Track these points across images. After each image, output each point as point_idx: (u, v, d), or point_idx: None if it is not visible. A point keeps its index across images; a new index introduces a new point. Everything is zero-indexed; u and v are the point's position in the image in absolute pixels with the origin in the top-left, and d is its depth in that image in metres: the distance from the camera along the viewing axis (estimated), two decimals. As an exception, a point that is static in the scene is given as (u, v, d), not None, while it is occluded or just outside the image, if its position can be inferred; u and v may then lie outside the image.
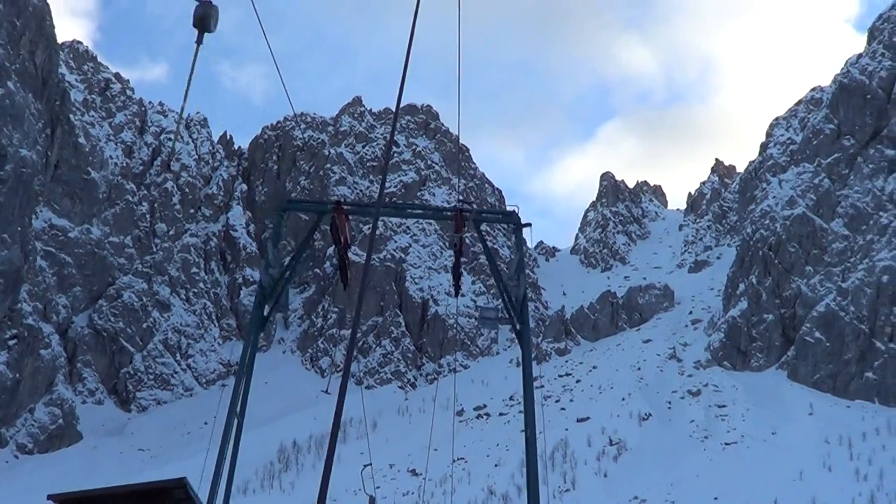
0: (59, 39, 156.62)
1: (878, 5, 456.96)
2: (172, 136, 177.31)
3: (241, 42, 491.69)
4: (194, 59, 12.56)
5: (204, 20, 12.47)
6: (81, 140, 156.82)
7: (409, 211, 28.95)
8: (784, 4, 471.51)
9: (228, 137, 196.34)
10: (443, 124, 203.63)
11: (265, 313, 24.18)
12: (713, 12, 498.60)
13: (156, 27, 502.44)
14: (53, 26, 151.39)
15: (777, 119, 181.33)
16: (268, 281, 24.15)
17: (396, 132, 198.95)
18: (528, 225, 24.95)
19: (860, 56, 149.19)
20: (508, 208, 25.62)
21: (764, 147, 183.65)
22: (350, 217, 25.32)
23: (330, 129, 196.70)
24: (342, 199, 26.49)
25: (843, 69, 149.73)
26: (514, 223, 24.93)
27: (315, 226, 25.66)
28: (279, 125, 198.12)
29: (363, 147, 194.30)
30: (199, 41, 12.44)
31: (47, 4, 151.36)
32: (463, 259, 27.19)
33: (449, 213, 25.08)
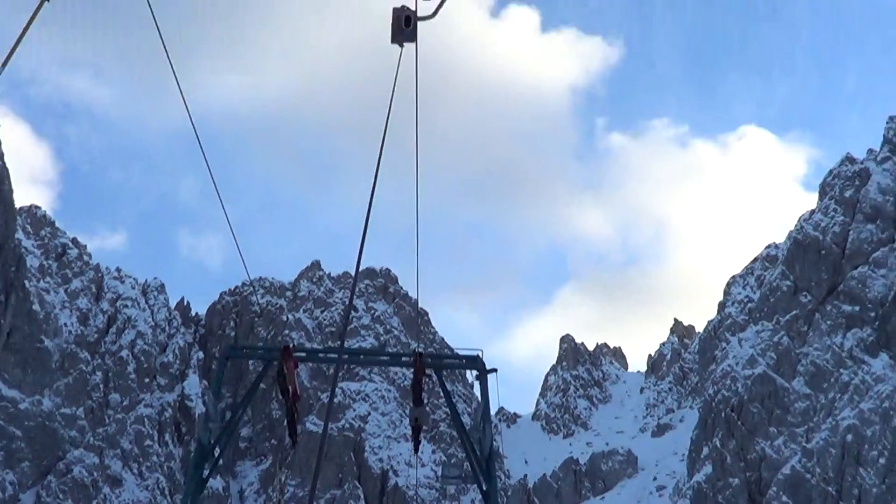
0: (17, 204, 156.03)
1: (825, 165, 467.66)
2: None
3: (199, 209, 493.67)
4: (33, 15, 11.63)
5: None
6: (36, 307, 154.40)
7: (365, 357, 27.75)
8: (734, 167, 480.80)
9: (186, 304, 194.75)
10: (402, 287, 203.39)
11: (204, 475, 21.85)
12: (666, 176, 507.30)
13: (115, 195, 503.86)
14: (12, 191, 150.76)
15: (734, 277, 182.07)
16: (207, 438, 22.00)
17: (356, 297, 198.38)
18: (494, 371, 23.29)
19: (813, 212, 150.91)
20: (471, 352, 23.96)
21: (722, 306, 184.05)
22: (306, 365, 23.55)
23: (288, 294, 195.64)
24: (292, 344, 24.65)
25: (796, 225, 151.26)
26: (478, 369, 23.43)
27: (262, 374, 23.56)
28: (237, 290, 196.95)
29: (322, 312, 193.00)
30: None
31: (6, 169, 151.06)
32: (422, 427, 25.10)
33: (407, 359, 23.63)
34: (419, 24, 14.23)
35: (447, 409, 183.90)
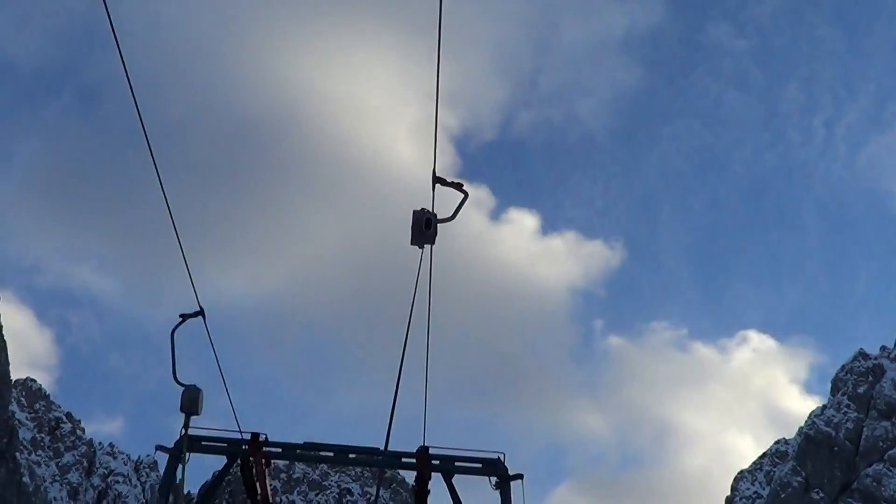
0: (13, 377, 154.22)
1: (827, 368, 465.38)
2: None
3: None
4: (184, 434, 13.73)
5: (192, 403, 13.25)
6: (26, 479, 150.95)
7: (357, 457, 21.18)
8: (734, 370, 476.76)
9: (178, 481, 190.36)
10: (398, 474, 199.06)
11: None
12: (665, 380, 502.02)
13: (114, 379, 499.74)
14: (8, 363, 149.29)
15: (742, 472, 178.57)
16: None
17: (351, 480, 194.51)
18: (520, 477, 19.45)
19: (825, 408, 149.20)
20: (491, 456, 19.68)
21: (729, 501, 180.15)
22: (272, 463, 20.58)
23: (283, 475, 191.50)
24: (261, 435, 19.85)
25: (807, 421, 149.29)
26: (499, 475, 19.46)
27: (223, 472, 20.30)
28: (233, 471, 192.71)
29: (316, 495, 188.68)
30: (186, 426, 13.00)
31: (3, 341, 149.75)
32: None
33: (410, 460, 19.47)
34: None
35: None
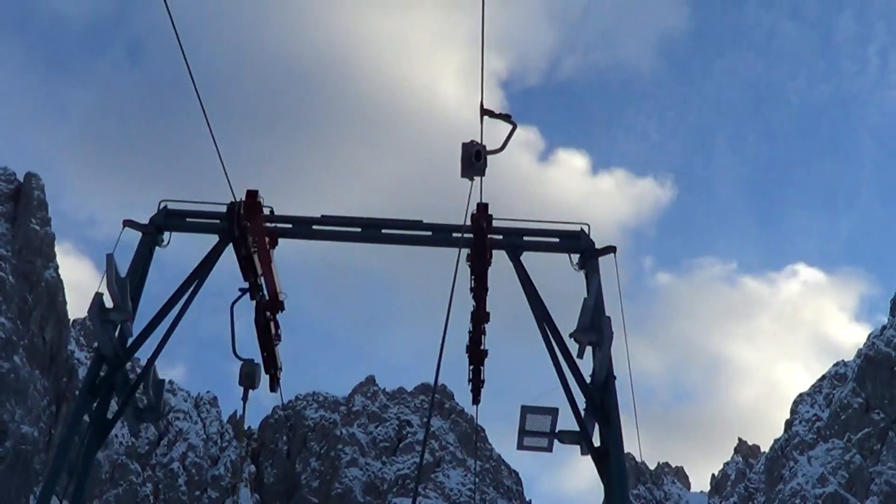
0: (71, 316, 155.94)
1: (875, 297, 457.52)
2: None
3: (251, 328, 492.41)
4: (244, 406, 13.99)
5: (249, 377, 13.62)
6: (86, 419, 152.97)
7: (389, 233, 15.96)
8: (783, 302, 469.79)
9: (238, 417, 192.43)
10: (458, 404, 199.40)
11: (110, 415, 15.21)
12: (714, 315, 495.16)
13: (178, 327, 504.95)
14: (66, 302, 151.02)
15: (801, 395, 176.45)
16: (109, 346, 14.57)
17: (410, 412, 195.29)
18: (612, 250, 15.50)
19: (885, 328, 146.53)
20: (571, 227, 15.78)
21: (789, 425, 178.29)
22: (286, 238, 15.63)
23: (342, 408, 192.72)
24: (258, 195, 15.38)
25: (867, 342, 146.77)
26: (582, 251, 15.56)
27: (215, 252, 15.17)
28: (290, 405, 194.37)
29: (376, 427, 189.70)
30: (245, 398, 13.32)
31: (60, 281, 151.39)
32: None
33: (462, 235, 14.78)
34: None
35: None
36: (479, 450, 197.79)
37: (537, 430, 14.58)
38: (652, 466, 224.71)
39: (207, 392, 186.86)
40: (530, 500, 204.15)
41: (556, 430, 14.59)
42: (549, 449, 14.87)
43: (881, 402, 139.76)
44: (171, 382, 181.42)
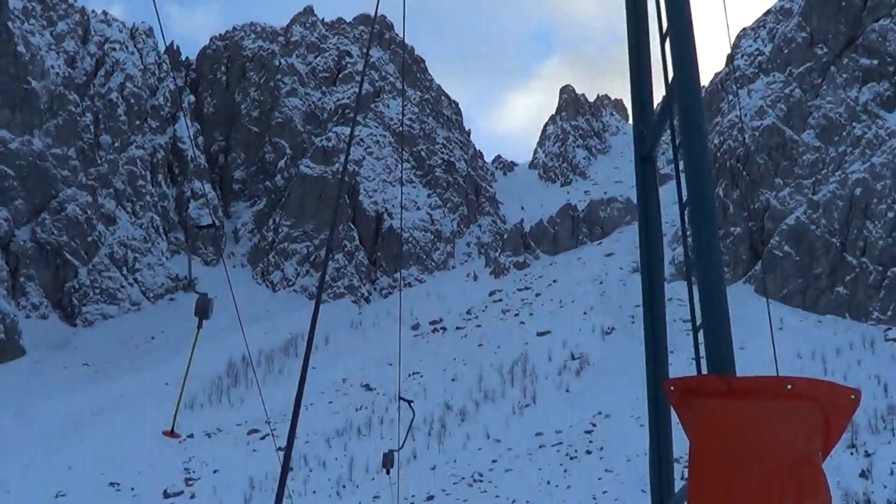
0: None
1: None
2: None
3: None
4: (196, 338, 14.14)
5: (204, 311, 14.19)
6: (21, 48, 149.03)
7: None
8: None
9: (175, 48, 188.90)
10: (397, 35, 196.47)
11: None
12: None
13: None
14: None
15: (744, 30, 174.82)
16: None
17: (350, 42, 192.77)
18: None
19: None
20: None
21: (730, 59, 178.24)
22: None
23: (281, 39, 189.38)
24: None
25: None
26: None
27: None
28: (228, 35, 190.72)
29: (315, 58, 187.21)
30: (200, 326, 14.02)
31: None
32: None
33: None
34: None
35: (443, 153, 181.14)
36: (418, 80, 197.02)
37: None
38: (591, 98, 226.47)
39: (143, 22, 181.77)
40: (469, 130, 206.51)
41: None
42: None
43: (825, 36, 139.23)
44: (104, 13, 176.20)
